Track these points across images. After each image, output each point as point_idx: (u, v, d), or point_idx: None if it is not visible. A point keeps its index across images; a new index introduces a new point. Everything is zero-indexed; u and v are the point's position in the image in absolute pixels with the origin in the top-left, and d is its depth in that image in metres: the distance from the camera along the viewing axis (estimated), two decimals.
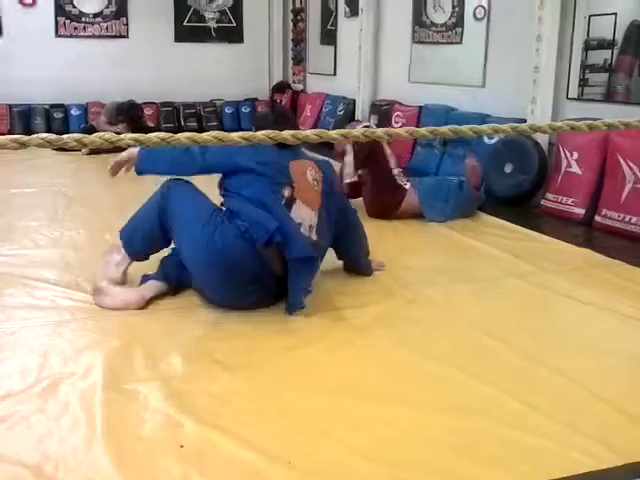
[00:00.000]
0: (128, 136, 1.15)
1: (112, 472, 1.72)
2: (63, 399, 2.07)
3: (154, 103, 9.36)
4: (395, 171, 4.32)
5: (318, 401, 2.11)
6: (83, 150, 6.90)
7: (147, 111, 9.10)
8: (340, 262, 3.33)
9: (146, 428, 1.93)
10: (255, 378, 2.24)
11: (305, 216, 2.85)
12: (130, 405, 2.06)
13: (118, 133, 1.32)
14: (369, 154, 4.27)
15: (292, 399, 2.11)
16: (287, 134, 1.33)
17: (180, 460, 1.77)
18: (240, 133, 1.32)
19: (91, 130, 7.04)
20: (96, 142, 1.12)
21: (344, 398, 2.13)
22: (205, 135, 1.29)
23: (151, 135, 1.17)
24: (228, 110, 9.90)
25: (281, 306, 2.86)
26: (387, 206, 4.25)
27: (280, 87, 10.04)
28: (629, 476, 1.74)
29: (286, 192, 2.81)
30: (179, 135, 1.23)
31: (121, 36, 9.55)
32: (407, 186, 4.30)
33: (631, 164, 4.10)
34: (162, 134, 1.19)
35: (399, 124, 6.66)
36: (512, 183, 4.88)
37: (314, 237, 2.87)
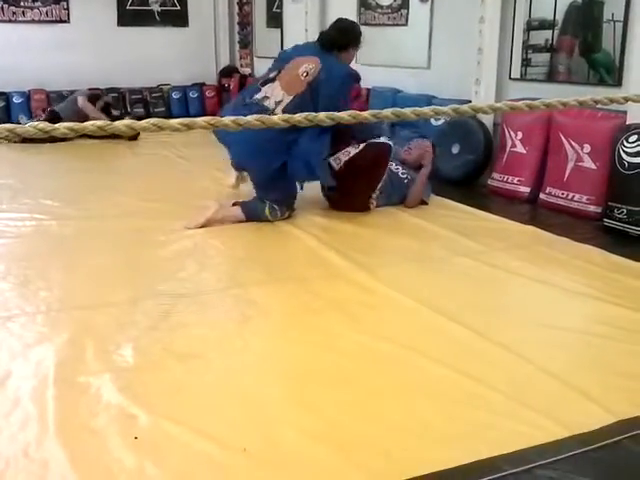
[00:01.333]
0: (63, 125, 1.12)
1: (66, 468, 1.70)
2: (13, 395, 2.04)
3: (98, 89, 9.14)
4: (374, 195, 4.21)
5: (271, 387, 2.12)
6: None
7: None
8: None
9: (99, 421, 1.92)
10: (208, 367, 2.24)
11: (275, 93, 3.78)
12: (82, 398, 2.03)
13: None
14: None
15: (245, 387, 2.12)
16: (228, 120, 1.32)
17: (135, 452, 1.76)
18: (179, 120, 1.30)
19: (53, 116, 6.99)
20: (30, 132, 1.09)
21: (296, 383, 2.15)
22: (144, 122, 1.27)
23: (87, 124, 1.15)
24: (175, 95, 9.75)
25: (232, 292, 2.86)
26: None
27: (227, 71, 9.92)
28: (578, 447, 1.79)
29: (271, 75, 3.88)
30: (117, 123, 1.21)
31: (62, 21, 9.29)
32: (373, 205, 4.24)
33: (573, 143, 4.20)
34: (99, 122, 1.17)
35: None
36: (459, 163, 4.96)
37: (277, 111, 3.63)
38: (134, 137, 7.07)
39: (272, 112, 3.61)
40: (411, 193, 4.30)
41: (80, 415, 1.94)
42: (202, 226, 3.84)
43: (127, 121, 1.19)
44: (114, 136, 6.14)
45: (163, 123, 1.27)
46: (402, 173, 4.32)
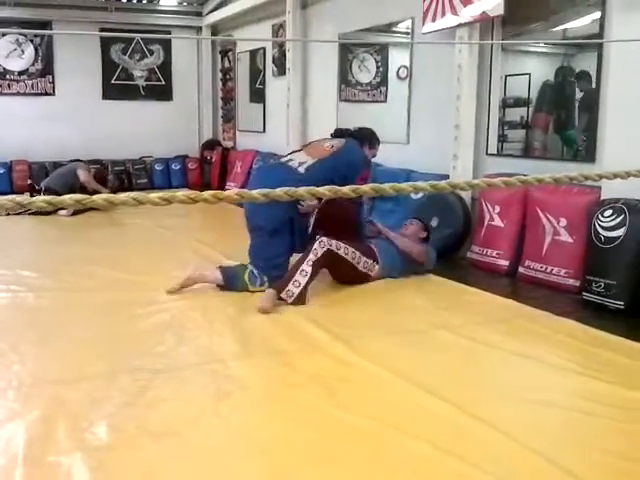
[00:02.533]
0: (39, 199, 1.12)
1: None
2: None
3: (81, 161, 9.20)
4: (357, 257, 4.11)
5: (249, 466, 2.06)
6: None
7: None
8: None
9: None
10: (184, 446, 2.16)
11: (299, 157, 4.07)
12: (52, 479, 1.95)
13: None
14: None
15: (223, 466, 2.05)
16: (208, 194, 1.33)
17: None
18: (159, 194, 1.30)
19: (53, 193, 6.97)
20: (7, 205, 1.09)
21: (275, 461, 2.08)
22: (122, 196, 1.27)
23: (64, 197, 1.14)
24: (158, 167, 9.86)
25: (210, 367, 2.81)
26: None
27: (210, 144, 10.08)
28: None
29: (296, 149, 4.25)
30: (95, 197, 1.21)
31: (47, 94, 9.45)
32: (373, 272, 4.20)
33: (550, 217, 4.27)
34: (76, 196, 1.16)
35: None
36: (438, 237, 5.00)
37: (301, 170, 3.94)
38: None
39: (296, 170, 3.97)
40: (403, 249, 4.31)
41: None
42: (181, 287, 3.88)
43: (104, 195, 1.19)
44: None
45: (143, 197, 1.27)
46: (393, 237, 4.37)
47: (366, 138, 4.38)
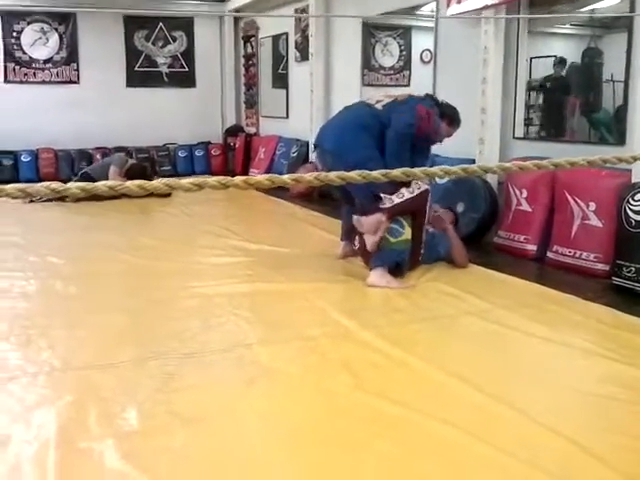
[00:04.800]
0: (74, 185, 1.12)
1: None
2: (12, 460, 1.98)
3: (106, 148, 9.29)
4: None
5: (277, 452, 2.07)
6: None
7: (98, 156, 9.07)
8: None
9: None
10: (212, 431, 2.18)
11: (378, 97, 4.24)
12: (84, 465, 1.97)
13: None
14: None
15: (251, 452, 2.06)
16: (238, 180, 1.32)
17: None
18: (191, 179, 1.30)
19: (87, 178, 6.96)
20: (40, 192, 1.09)
21: (303, 447, 2.09)
22: (155, 182, 1.27)
23: (99, 184, 1.15)
24: (182, 154, 9.90)
25: (237, 353, 2.82)
26: None
27: (233, 130, 10.09)
28: None
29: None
30: (128, 183, 1.21)
31: (72, 82, 9.52)
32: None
33: (578, 200, 4.21)
34: (110, 182, 1.17)
35: None
36: (464, 222, 4.96)
37: (378, 106, 4.10)
38: (167, 194, 6.98)
39: (373, 106, 4.14)
40: (454, 249, 4.27)
41: None
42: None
43: (138, 182, 1.20)
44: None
45: (175, 183, 1.27)
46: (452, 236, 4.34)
47: (447, 113, 4.30)
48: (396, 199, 3.89)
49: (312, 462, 2.00)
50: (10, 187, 1.13)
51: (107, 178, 7.15)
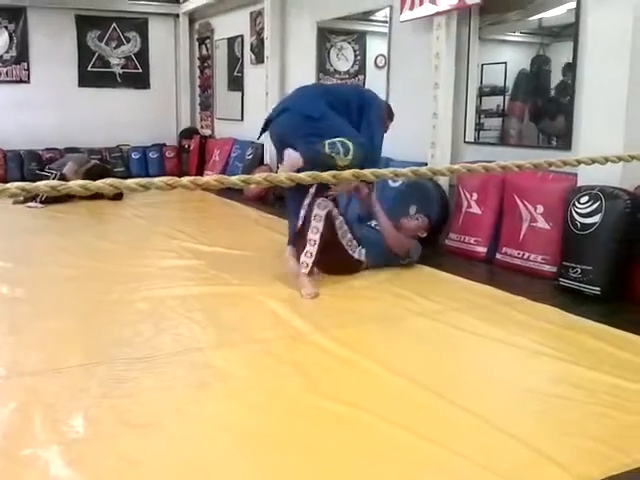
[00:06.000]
0: (14, 185, 1.10)
1: None
2: None
3: (57, 149, 9.10)
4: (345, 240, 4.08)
5: (230, 456, 2.05)
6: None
7: (50, 156, 8.90)
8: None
9: None
10: (163, 437, 2.15)
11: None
12: (29, 473, 1.92)
13: None
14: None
15: (203, 456, 2.04)
16: (186, 180, 1.31)
17: None
18: (137, 180, 1.29)
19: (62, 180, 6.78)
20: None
21: (256, 450, 2.08)
22: (99, 182, 1.26)
23: (40, 184, 1.12)
24: (135, 156, 9.78)
25: (189, 357, 2.79)
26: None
27: (188, 132, 10.01)
28: None
29: None
30: (71, 183, 1.19)
31: (22, 81, 9.31)
32: (363, 257, 4.16)
33: (527, 204, 4.30)
34: (53, 182, 1.15)
35: None
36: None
37: (329, 84, 4.32)
38: (118, 196, 6.89)
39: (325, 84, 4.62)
40: (387, 234, 4.25)
41: None
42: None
43: (81, 182, 1.18)
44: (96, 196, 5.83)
45: (120, 184, 1.25)
46: (375, 225, 4.35)
47: (390, 114, 4.49)
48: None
49: (265, 465, 1.99)
50: None
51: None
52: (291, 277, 3.90)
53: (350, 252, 4.10)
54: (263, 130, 4.36)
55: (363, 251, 4.16)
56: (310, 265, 3.77)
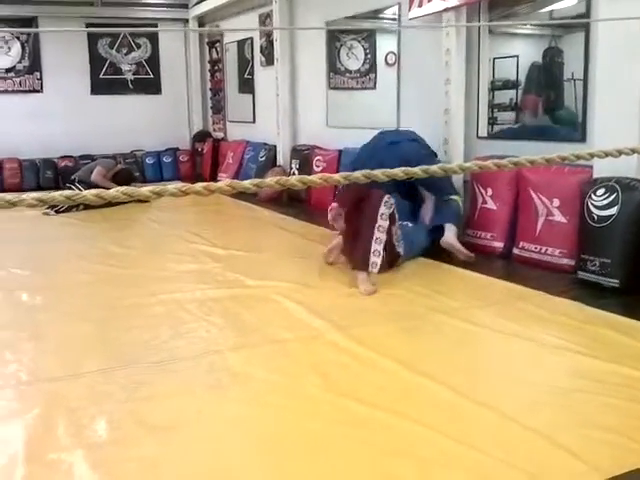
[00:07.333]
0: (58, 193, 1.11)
1: None
2: None
3: (72, 157, 9.18)
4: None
5: (250, 457, 2.06)
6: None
7: (65, 164, 8.98)
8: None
9: None
10: (183, 439, 2.16)
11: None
12: (54, 477, 1.95)
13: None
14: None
15: (223, 458, 2.05)
16: (199, 186, 1.32)
17: None
18: (150, 187, 1.30)
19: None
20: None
21: (275, 451, 2.09)
22: (112, 191, 1.27)
23: (55, 194, 1.14)
24: (149, 161, 9.83)
25: (207, 359, 2.81)
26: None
27: (201, 136, 10.05)
28: None
29: None
30: (85, 192, 1.20)
31: (35, 90, 9.40)
32: (400, 249, 4.21)
33: (542, 197, 4.27)
34: (66, 192, 1.16)
35: (320, 168, 6.77)
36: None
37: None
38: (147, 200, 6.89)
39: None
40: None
41: None
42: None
43: (95, 191, 1.19)
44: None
45: (133, 192, 1.26)
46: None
47: None
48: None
49: (284, 466, 2.00)
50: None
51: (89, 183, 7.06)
52: (309, 275, 3.90)
53: (396, 245, 4.16)
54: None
55: (402, 243, 4.22)
56: (379, 265, 3.85)
